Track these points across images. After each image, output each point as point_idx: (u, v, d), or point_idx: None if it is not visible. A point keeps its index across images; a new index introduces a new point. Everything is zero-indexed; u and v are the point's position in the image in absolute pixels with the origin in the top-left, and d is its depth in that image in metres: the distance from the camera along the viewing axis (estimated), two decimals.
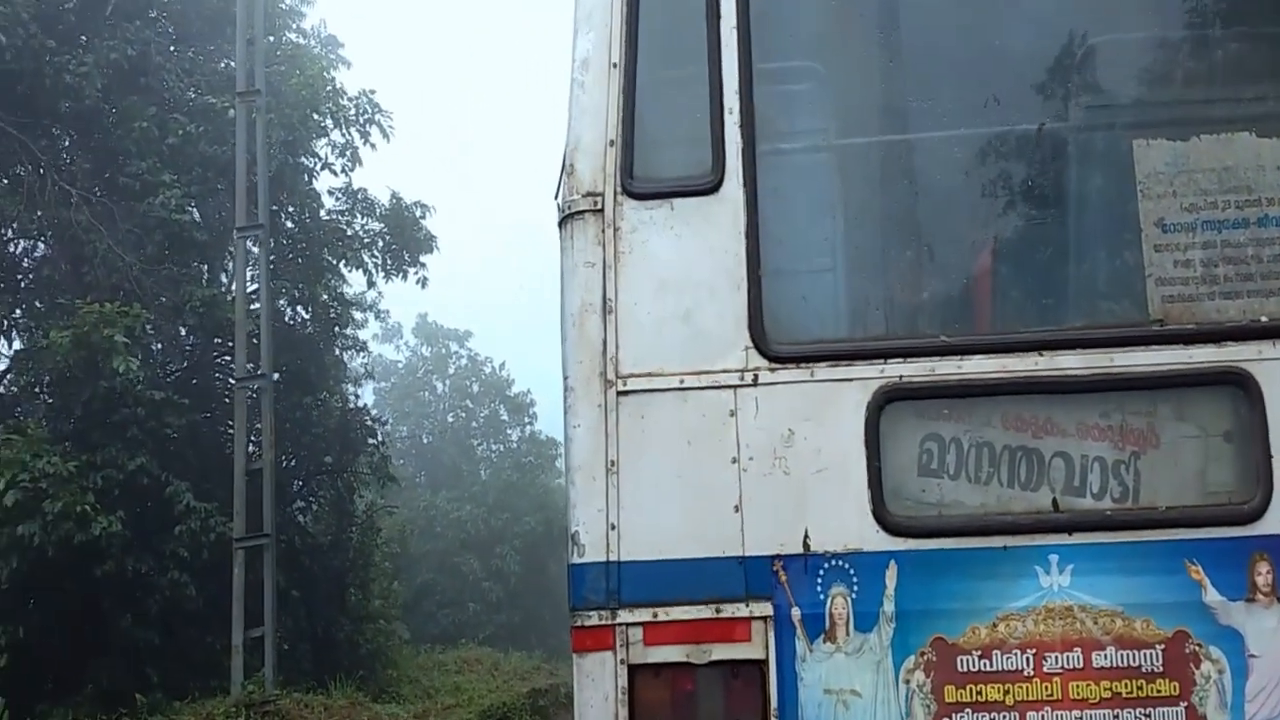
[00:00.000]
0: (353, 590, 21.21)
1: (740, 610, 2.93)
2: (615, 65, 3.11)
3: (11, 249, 15.39)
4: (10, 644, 12.18)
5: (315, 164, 17.60)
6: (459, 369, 36.93)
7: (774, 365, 3.01)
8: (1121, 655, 2.84)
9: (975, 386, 2.96)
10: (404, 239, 18.68)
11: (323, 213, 18.05)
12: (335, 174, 18.34)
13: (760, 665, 2.90)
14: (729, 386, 3.02)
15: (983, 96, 3.21)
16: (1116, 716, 2.82)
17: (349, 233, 18.06)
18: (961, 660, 2.88)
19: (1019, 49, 3.27)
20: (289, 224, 16.81)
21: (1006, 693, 2.87)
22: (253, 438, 14.65)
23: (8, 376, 15.01)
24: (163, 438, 14.13)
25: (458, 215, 71.24)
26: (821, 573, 2.93)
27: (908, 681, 2.89)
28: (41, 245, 15.31)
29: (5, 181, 14.74)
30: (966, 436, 2.97)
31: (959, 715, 2.86)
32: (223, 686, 13.10)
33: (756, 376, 3.01)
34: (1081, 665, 2.85)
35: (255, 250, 14.74)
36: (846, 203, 3.38)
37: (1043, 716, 2.83)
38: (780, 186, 3.13)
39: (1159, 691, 2.82)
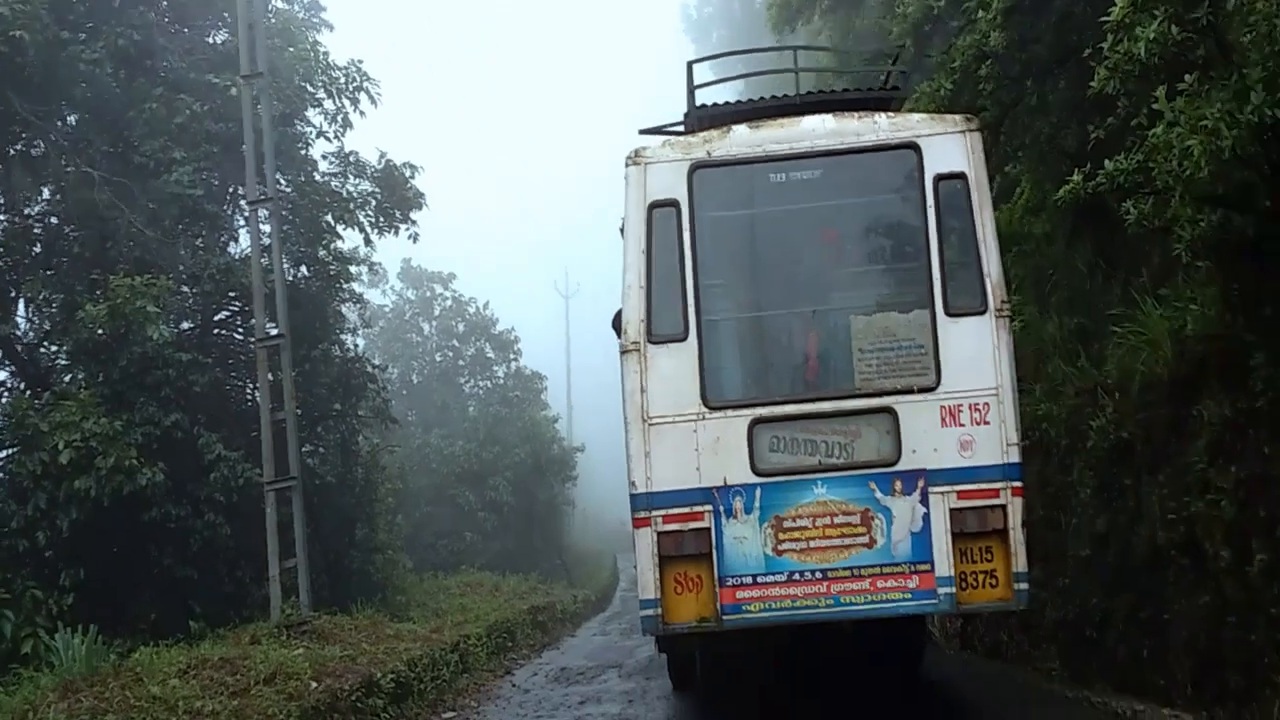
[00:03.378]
0: (360, 525, 22.91)
1: (699, 508, 6.93)
2: (643, 287, 7.10)
3: (37, 230, 16.61)
4: (74, 584, 13.80)
5: (310, 132, 18.82)
6: (444, 310, 38.25)
7: (710, 412, 7.05)
8: (843, 519, 6.83)
9: (791, 416, 7.06)
10: (394, 198, 19.96)
11: (318, 176, 19.31)
12: (329, 140, 19.55)
13: (708, 529, 6.91)
14: (692, 419, 7.05)
15: (794, 293, 7.58)
16: (843, 543, 6.81)
17: (343, 194, 19.33)
18: (784, 523, 6.85)
19: (809, 272, 7.66)
20: (288, 189, 18.05)
21: (800, 535, 6.85)
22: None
23: (51, 348, 16.37)
24: (191, 395, 15.61)
25: (450, 166, 71.98)
26: (731, 492, 6.93)
27: (763, 533, 6.86)
28: (68, 227, 16.53)
29: (31, 167, 15.95)
30: (786, 434, 6.97)
31: (782, 545, 6.83)
32: (252, 616, 14.72)
33: (703, 415, 7.05)
34: (829, 524, 6.84)
35: (266, 218, 16.06)
36: (737, 342, 7.56)
37: (812, 542, 6.82)
38: (711, 337, 7.15)
39: (857, 532, 6.81)
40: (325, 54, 18.71)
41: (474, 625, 17.31)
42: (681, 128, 7.75)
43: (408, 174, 19.95)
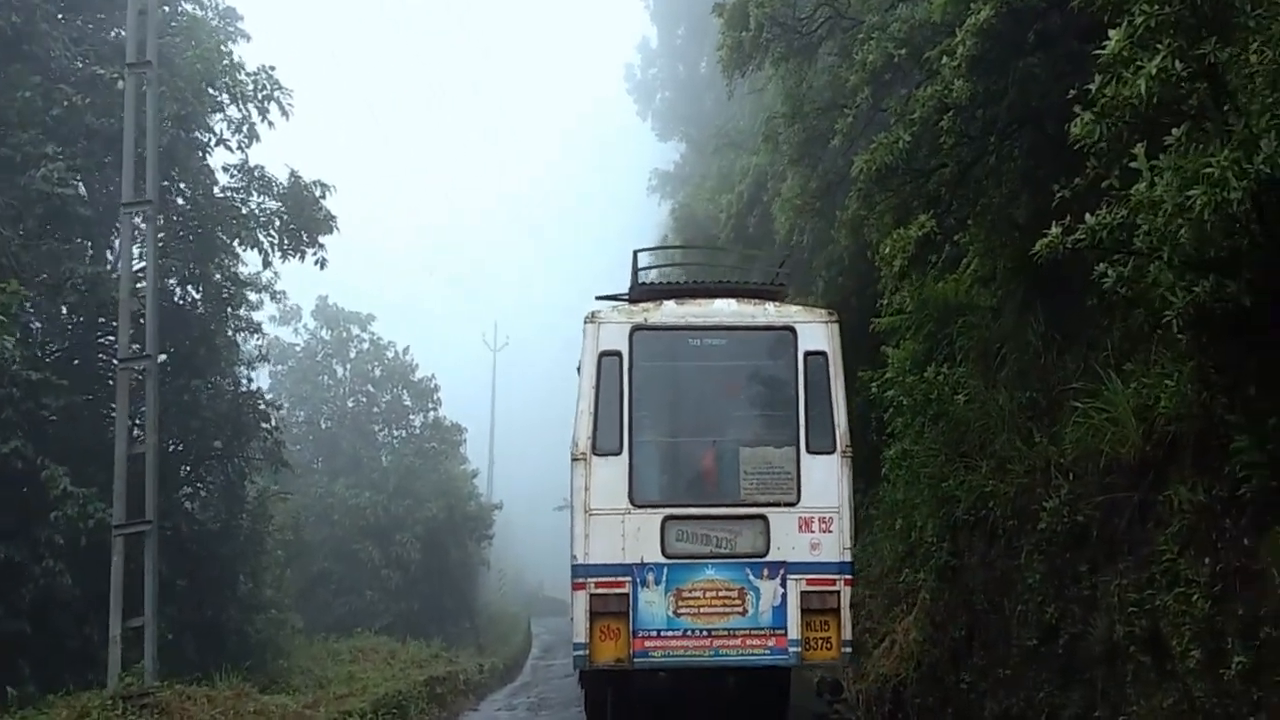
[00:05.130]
0: (244, 578, 20.74)
1: (622, 578, 8.81)
2: (591, 413, 9.00)
3: None
4: None
5: (209, 139, 17.04)
6: (360, 353, 36.17)
7: (635, 508, 8.97)
8: (725, 593, 8.87)
9: (693, 515, 9.05)
10: (302, 218, 18.19)
11: (217, 190, 17.50)
12: (231, 150, 17.79)
13: (627, 594, 8.79)
14: (621, 513, 8.91)
15: (700, 427, 9.74)
16: (724, 611, 8.85)
17: (244, 211, 17.53)
18: (683, 593, 8.78)
19: (712, 412, 9.77)
20: (180, 200, 16.25)
21: (694, 603, 8.83)
22: (137, 421, 14.15)
23: None
24: (40, 420, 13.58)
25: (368, 195, 69.38)
26: (646, 568, 8.85)
27: (667, 599, 8.74)
28: None
29: None
30: (688, 529, 8.95)
31: (681, 609, 8.80)
32: (100, 679, 12.64)
33: (629, 510, 8.94)
34: (715, 596, 8.82)
35: (143, 226, 14.21)
36: (658, 459, 9.40)
37: (702, 609, 8.84)
38: (639, 453, 9.09)
39: (735, 604, 8.82)
40: (231, 55, 16.99)
41: (358, 699, 15.24)
42: (628, 297, 9.91)
43: (318, 193, 18.19)
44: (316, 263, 18.51)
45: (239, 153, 18.04)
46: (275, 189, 18.26)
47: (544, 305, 64.63)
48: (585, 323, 9.29)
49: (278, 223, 18.30)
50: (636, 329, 9.23)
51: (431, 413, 37.01)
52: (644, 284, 10.11)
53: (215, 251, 16.85)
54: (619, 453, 8.99)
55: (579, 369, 9.28)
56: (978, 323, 10.43)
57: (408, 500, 32.98)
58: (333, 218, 18.58)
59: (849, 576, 9.08)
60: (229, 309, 17.49)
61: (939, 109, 9.08)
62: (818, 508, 9.04)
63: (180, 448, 17.90)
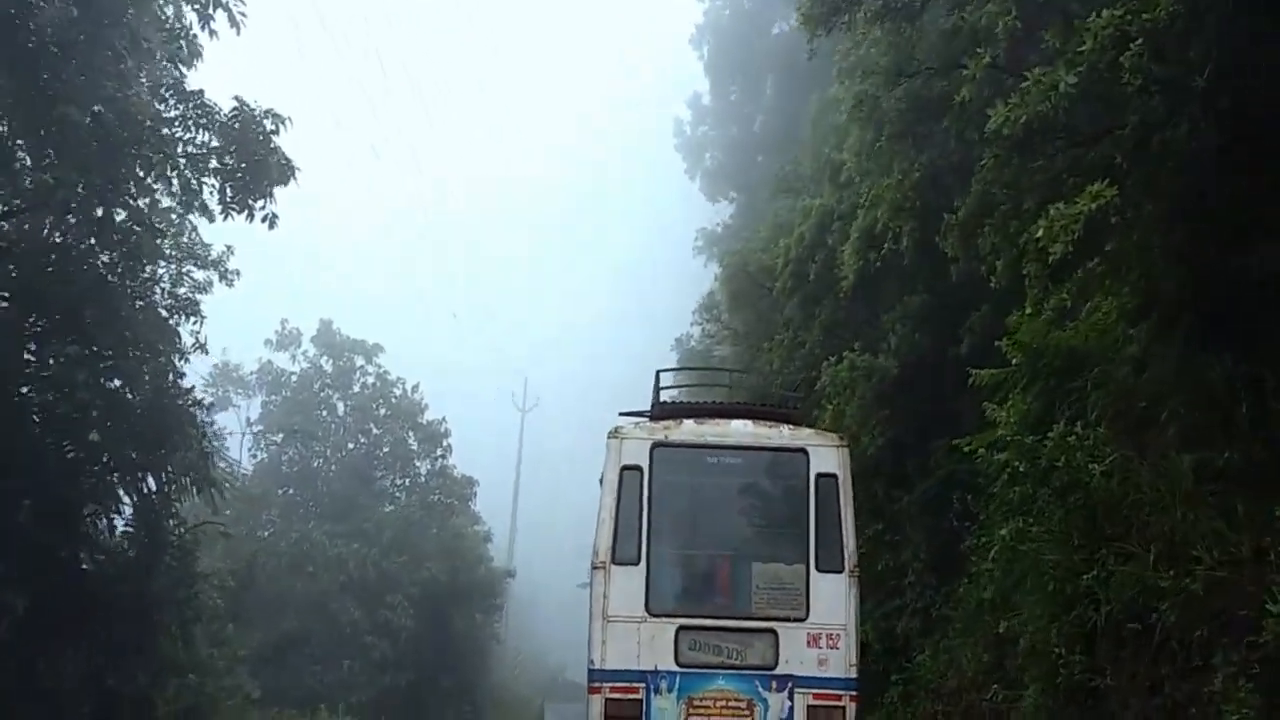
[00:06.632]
0: (160, 631, 16.26)
1: (636, 684, 8.93)
2: (610, 522, 9.20)
3: None
4: None
5: (123, 39, 12.94)
6: (364, 387, 31.93)
7: (651, 617, 9.05)
8: (735, 703, 8.95)
9: (706, 627, 9.12)
10: (247, 159, 14.04)
11: (134, 109, 13.36)
12: (167, 62, 13.82)
13: (640, 700, 8.95)
14: (637, 621, 9.02)
15: (716, 541, 9.94)
16: (734, 718, 8.96)
17: (165, 133, 13.40)
18: (694, 701, 8.94)
19: (727, 528, 9.91)
20: (73, 110, 12.12)
21: (704, 711, 8.93)
22: None
23: None
24: None
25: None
26: (660, 675, 8.95)
27: (679, 707, 8.93)
28: None
29: None
30: (701, 639, 9.04)
31: (691, 717, 8.93)
32: None
33: (645, 619, 9.04)
34: (725, 705, 8.95)
35: None
36: (674, 571, 9.63)
37: (712, 717, 8.94)
38: (656, 564, 9.23)
39: (744, 714, 8.95)
40: None
41: None
42: (650, 414, 10.23)
43: (269, 126, 14.04)
44: (264, 219, 14.27)
45: (177, 68, 14.05)
46: (215, 120, 14.13)
47: (575, 368, 60.47)
48: (609, 438, 9.60)
49: (216, 163, 14.11)
50: (657, 445, 9.52)
51: (440, 460, 32.57)
52: (664, 402, 10.49)
53: (120, 183, 12.64)
54: (637, 563, 9.23)
55: (601, 480, 9.59)
56: (1115, 373, 9.13)
57: (403, 557, 28.49)
58: (289, 164, 14.40)
59: (854, 693, 9.22)
60: (138, 264, 13.17)
61: (1118, 39, 7.30)
62: (825, 624, 9.19)
63: (67, 446, 13.58)
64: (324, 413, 31.40)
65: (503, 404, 55.40)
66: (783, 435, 9.72)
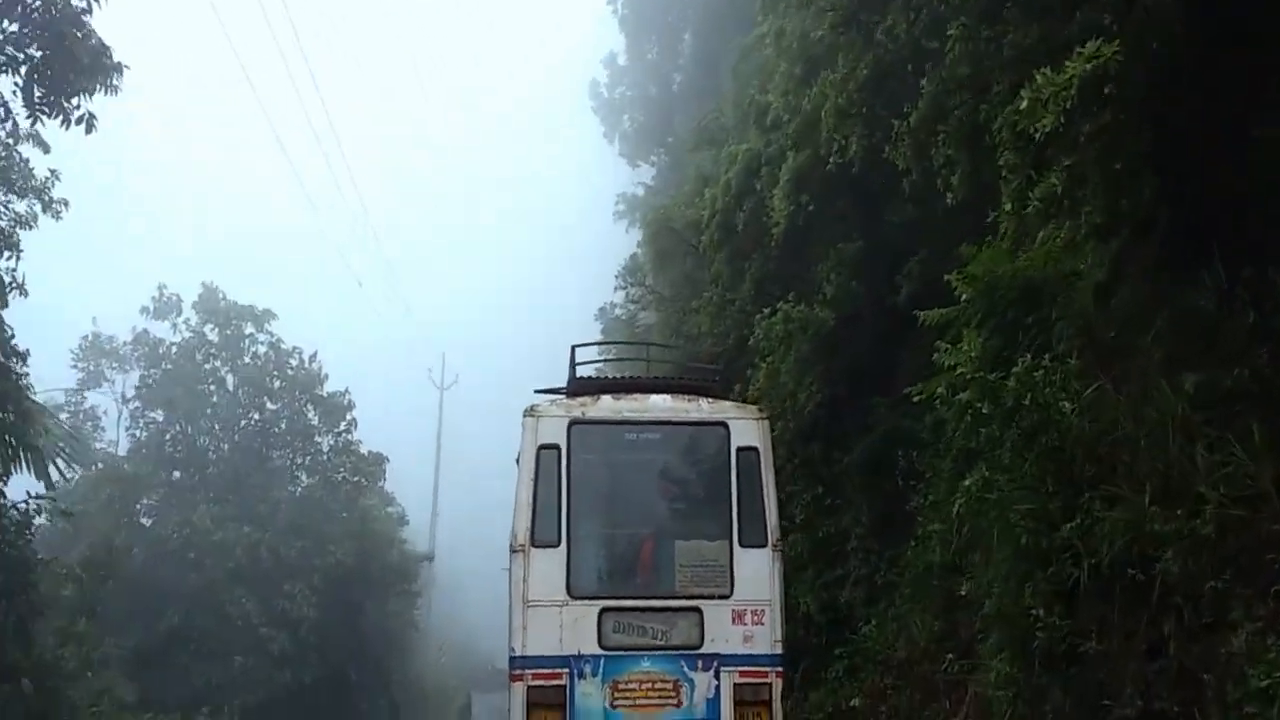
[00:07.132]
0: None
1: (559, 670, 8.82)
2: (530, 505, 9.02)
3: None
4: None
5: None
6: (256, 358, 29.10)
7: (572, 600, 8.96)
8: (661, 685, 8.92)
9: (629, 608, 9.09)
10: (57, 52, 11.47)
11: None
12: None
13: (564, 686, 8.83)
14: (559, 605, 8.92)
15: (637, 520, 9.92)
16: (660, 702, 8.91)
17: None
18: (619, 685, 8.87)
19: (648, 505, 9.93)
20: None
21: (630, 695, 8.90)
22: None
23: None
24: None
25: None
26: (583, 660, 8.87)
27: (604, 691, 8.86)
28: None
29: None
30: (624, 621, 8.99)
31: (617, 701, 8.86)
32: None
33: (567, 602, 8.95)
34: (651, 688, 8.91)
35: None
36: (595, 551, 9.63)
37: (638, 700, 8.89)
38: (576, 546, 9.13)
39: (670, 695, 8.94)
40: None
41: None
42: (565, 391, 10.10)
43: (79, 4, 11.46)
44: (78, 121, 11.72)
45: None
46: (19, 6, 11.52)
47: (496, 344, 57.77)
48: (524, 416, 9.41)
49: (22, 56, 11.55)
50: (574, 423, 9.36)
51: (343, 435, 29.94)
52: (581, 378, 10.29)
53: None
54: (557, 545, 9.10)
55: (518, 460, 9.40)
56: (1081, 299, 8.25)
57: (302, 542, 25.88)
58: (112, 61, 11.86)
59: (780, 669, 9.20)
60: None
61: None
62: (750, 601, 9.13)
63: None
64: (211, 386, 28.48)
65: (420, 383, 52.69)
66: (702, 409, 9.64)
